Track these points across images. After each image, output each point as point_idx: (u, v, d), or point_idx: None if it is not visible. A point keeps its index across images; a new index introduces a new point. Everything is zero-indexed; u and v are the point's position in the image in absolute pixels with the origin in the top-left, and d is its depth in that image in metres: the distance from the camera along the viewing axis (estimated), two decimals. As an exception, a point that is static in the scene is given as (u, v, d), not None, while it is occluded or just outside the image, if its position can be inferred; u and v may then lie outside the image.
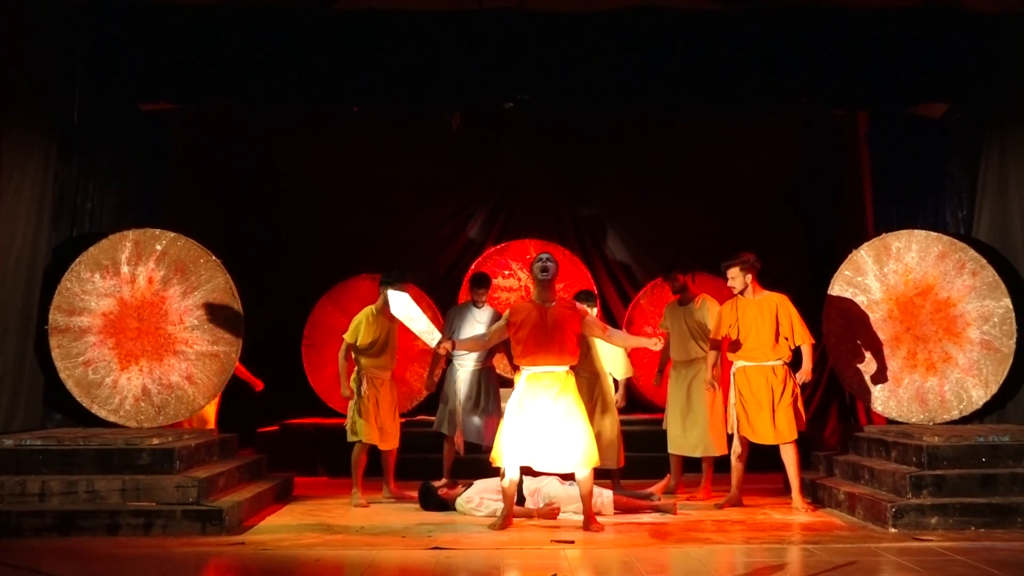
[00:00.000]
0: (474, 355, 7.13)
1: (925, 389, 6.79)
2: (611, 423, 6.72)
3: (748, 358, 6.40)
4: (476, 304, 7.22)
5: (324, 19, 7.28)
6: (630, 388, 8.85)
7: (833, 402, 8.69)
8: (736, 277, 6.42)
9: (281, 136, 9.21)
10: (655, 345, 5.70)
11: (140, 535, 5.43)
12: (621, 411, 7.06)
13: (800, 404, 6.38)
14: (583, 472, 5.66)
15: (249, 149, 9.09)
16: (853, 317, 6.92)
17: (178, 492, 5.64)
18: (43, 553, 5.03)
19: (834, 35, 7.14)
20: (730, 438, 6.58)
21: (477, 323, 7.07)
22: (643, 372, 8.69)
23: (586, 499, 5.72)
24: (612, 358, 6.85)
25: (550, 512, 6.04)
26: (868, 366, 6.87)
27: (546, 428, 5.58)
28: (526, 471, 5.82)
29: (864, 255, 7.00)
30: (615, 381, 6.92)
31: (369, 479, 6.89)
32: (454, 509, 6.27)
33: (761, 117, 8.86)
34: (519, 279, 9.13)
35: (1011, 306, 6.74)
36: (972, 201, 7.30)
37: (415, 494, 6.50)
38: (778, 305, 6.39)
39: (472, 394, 7.11)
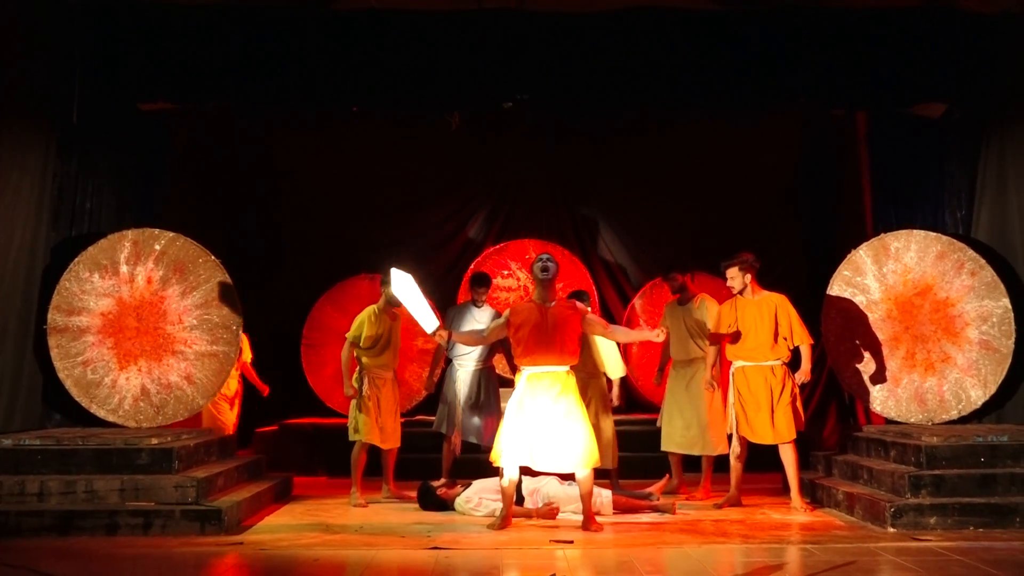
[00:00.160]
0: (474, 355, 7.13)
1: (924, 389, 6.80)
2: (609, 423, 6.73)
3: (747, 358, 6.41)
4: (476, 304, 7.23)
5: (323, 19, 7.28)
6: (628, 388, 8.89)
7: (832, 402, 8.70)
8: (735, 277, 6.43)
9: (281, 136, 9.21)
10: (657, 336, 5.69)
11: (139, 535, 5.44)
12: (620, 411, 7.07)
13: (799, 404, 6.39)
14: (582, 472, 5.66)
15: (248, 149, 9.09)
16: (852, 317, 6.92)
17: (177, 492, 5.64)
18: (42, 553, 5.03)
19: (833, 35, 7.15)
20: (729, 438, 6.59)
21: (477, 323, 7.07)
22: (643, 372, 8.70)
23: (585, 499, 5.72)
24: (605, 357, 6.86)
25: (549, 512, 6.04)
26: (867, 366, 6.88)
27: (546, 428, 5.58)
28: (525, 471, 5.82)
29: (863, 255, 7.01)
30: (608, 380, 6.93)
31: (368, 479, 6.89)
32: (453, 509, 6.27)
33: (761, 117, 8.87)
34: (518, 279, 9.14)
35: (1010, 306, 6.74)
36: (971, 201, 7.30)
37: (414, 494, 6.50)
38: (777, 305, 6.39)
39: (472, 394, 7.11)
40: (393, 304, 6.83)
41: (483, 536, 5.52)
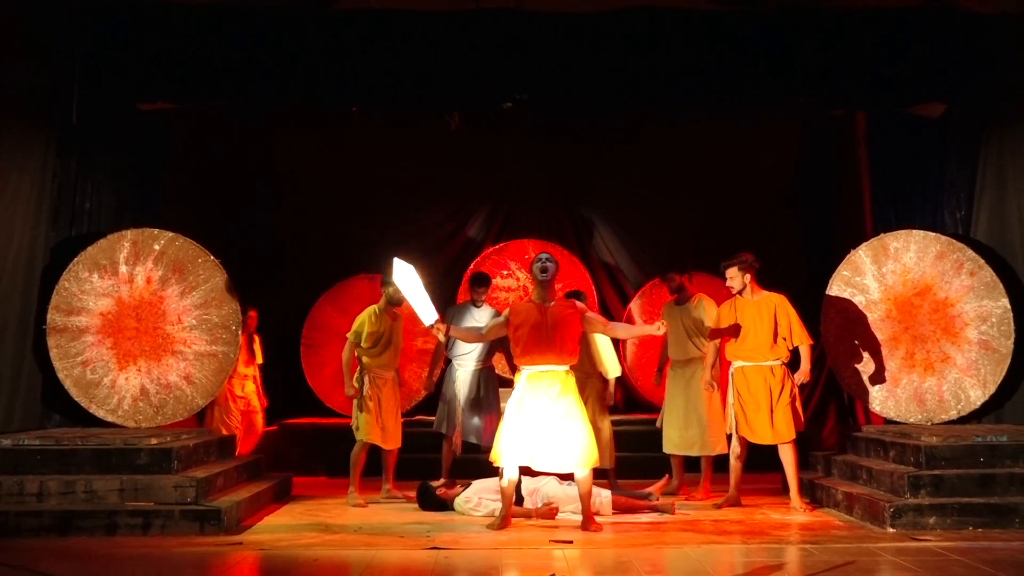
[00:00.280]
0: (474, 355, 7.14)
1: (923, 389, 6.80)
2: (606, 422, 6.74)
3: (746, 358, 6.41)
4: (475, 303, 7.23)
5: (323, 19, 7.27)
6: (628, 388, 8.90)
7: (831, 402, 8.70)
8: (735, 277, 6.43)
9: (281, 136, 9.21)
10: (658, 329, 5.69)
11: (138, 535, 5.44)
12: (620, 411, 7.06)
13: (798, 404, 6.39)
14: (582, 472, 5.66)
15: (248, 149, 9.08)
16: (851, 317, 6.92)
17: (176, 492, 5.64)
18: (41, 553, 5.03)
19: (833, 35, 7.14)
20: (729, 438, 6.59)
21: (476, 322, 7.06)
22: (642, 372, 8.70)
23: (585, 499, 5.72)
24: (603, 356, 6.87)
25: (548, 512, 6.04)
26: (866, 366, 6.88)
27: (545, 428, 5.58)
28: (525, 471, 5.82)
29: (862, 255, 7.01)
30: (604, 380, 6.93)
31: (368, 479, 6.89)
32: (452, 509, 6.27)
33: (760, 117, 8.86)
34: (518, 279, 9.14)
35: (1009, 306, 6.75)
36: (970, 201, 7.30)
37: (414, 494, 6.50)
38: (776, 305, 6.40)
39: (472, 394, 7.12)
40: (394, 304, 6.84)
41: (482, 536, 5.52)
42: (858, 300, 6.94)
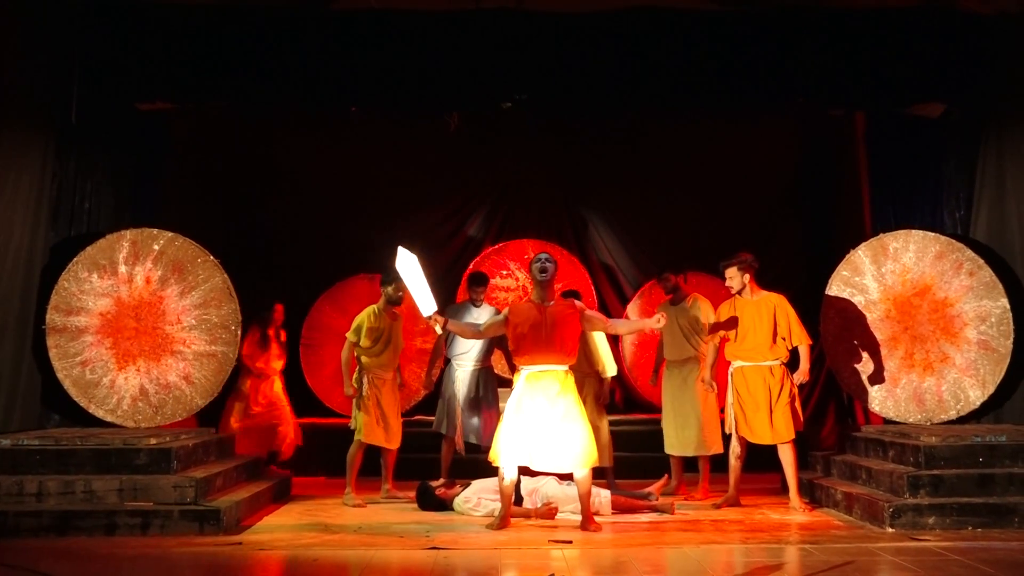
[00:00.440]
0: (473, 355, 7.14)
1: (922, 389, 6.80)
2: (604, 422, 6.76)
3: (746, 358, 6.41)
4: (474, 303, 7.23)
5: (323, 19, 7.27)
6: (628, 388, 8.90)
7: (831, 402, 8.70)
8: (734, 277, 6.43)
9: (280, 136, 9.20)
10: (657, 322, 5.70)
11: (138, 535, 5.44)
12: (619, 410, 7.06)
13: (798, 404, 6.39)
14: (581, 472, 5.66)
15: (247, 149, 9.08)
16: (851, 317, 6.93)
17: (176, 492, 5.64)
18: (40, 553, 5.02)
19: (832, 35, 7.14)
20: (728, 438, 6.59)
21: (475, 321, 7.06)
22: (642, 372, 8.70)
23: (584, 499, 5.72)
24: (601, 356, 6.87)
25: (548, 512, 6.04)
26: (865, 366, 6.88)
27: (545, 428, 5.58)
28: (524, 471, 5.82)
29: (862, 255, 7.01)
30: (601, 379, 6.94)
31: (367, 479, 6.89)
32: (452, 509, 6.27)
33: (760, 117, 8.86)
34: (517, 279, 9.14)
35: (1008, 306, 6.75)
36: (970, 201, 7.30)
37: (413, 494, 6.50)
38: (776, 305, 6.40)
39: (471, 394, 7.12)
40: (393, 303, 6.84)
41: (482, 536, 5.52)
42: (857, 300, 6.94)
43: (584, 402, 6.40)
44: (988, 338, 6.76)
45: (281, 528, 5.84)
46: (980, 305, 6.80)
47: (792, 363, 6.43)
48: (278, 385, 7.89)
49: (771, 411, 6.29)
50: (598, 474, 6.29)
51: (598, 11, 7.16)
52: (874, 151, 8.16)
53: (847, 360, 6.94)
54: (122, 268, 6.69)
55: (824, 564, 4.65)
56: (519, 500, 6.07)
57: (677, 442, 6.92)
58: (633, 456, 7.57)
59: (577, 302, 6.00)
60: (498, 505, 5.88)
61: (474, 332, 6.11)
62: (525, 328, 5.66)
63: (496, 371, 7.48)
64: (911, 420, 6.78)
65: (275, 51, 7.09)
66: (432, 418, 7.35)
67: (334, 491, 7.11)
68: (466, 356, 7.15)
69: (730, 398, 6.47)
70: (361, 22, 7.16)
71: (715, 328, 6.57)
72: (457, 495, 6.29)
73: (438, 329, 5.70)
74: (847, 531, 5.64)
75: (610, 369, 6.91)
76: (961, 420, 6.75)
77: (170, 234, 6.78)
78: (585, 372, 6.71)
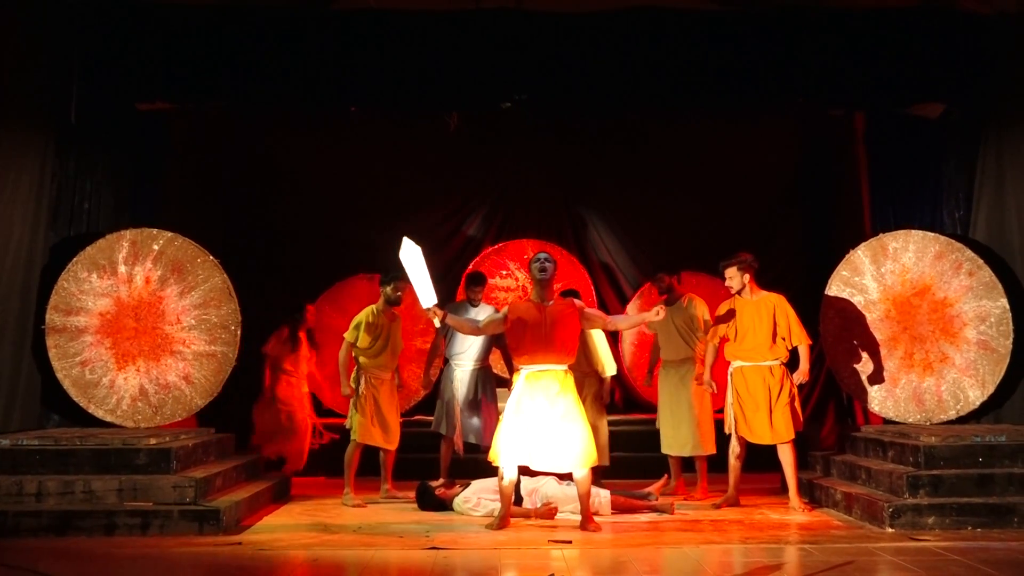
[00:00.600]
0: (471, 355, 7.14)
1: (922, 389, 6.80)
2: (604, 422, 6.77)
3: (745, 358, 6.41)
4: (473, 303, 7.23)
5: (322, 19, 7.27)
6: (627, 388, 8.89)
7: (830, 402, 8.69)
8: (734, 277, 6.43)
9: (280, 136, 9.19)
10: (657, 315, 5.70)
11: (137, 535, 5.44)
12: (619, 410, 7.07)
13: (797, 404, 6.39)
14: (581, 472, 5.66)
15: (247, 149, 9.07)
16: (850, 317, 6.93)
17: (175, 492, 5.64)
18: (40, 553, 5.02)
19: (832, 35, 7.14)
20: (726, 438, 6.59)
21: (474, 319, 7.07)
22: (641, 372, 8.69)
23: (584, 499, 5.72)
24: (600, 355, 6.87)
25: (548, 512, 6.04)
26: (865, 366, 6.88)
27: (544, 428, 5.58)
28: (524, 471, 5.82)
29: (861, 255, 7.01)
30: (601, 379, 6.94)
31: (367, 479, 6.89)
32: (451, 509, 6.27)
33: (759, 117, 8.85)
34: (517, 279, 9.14)
35: (1008, 306, 6.75)
36: (969, 201, 7.30)
37: (413, 494, 6.50)
38: (775, 305, 6.40)
39: (470, 394, 7.12)
40: (392, 304, 6.84)
41: (481, 536, 5.52)
42: (857, 300, 6.94)
43: (584, 402, 6.41)
44: (988, 338, 6.76)
45: (281, 528, 5.84)
46: (980, 305, 6.80)
47: (792, 363, 6.43)
48: (305, 388, 7.90)
49: (771, 411, 6.29)
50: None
51: (598, 11, 7.16)
52: (874, 151, 8.15)
53: (847, 360, 6.94)
54: (122, 268, 6.69)
55: (824, 564, 4.65)
56: (519, 500, 6.07)
57: (674, 441, 6.92)
58: (632, 456, 7.57)
59: (576, 301, 6.00)
60: (498, 505, 5.88)
61: (473, 328, 6.10)
62: (525, 327, 5.66)
63: (494, 371, 7.47)
64: (911, 420, 6.78)
65: (275, 51, 7.09)
66: (431, 418, 7.35)
67: (334, 491, 7.11)
68: (464, 356, 7.15)
69: (729, 398, 6.47)
70: (361, 22, 7.16)
71: (718, 321, 6.57)
72: (457, 495, 6.29)
73: (437, 322, 5.70)
74: (847, 531, 5.64)
75: (610, 369, 6.91)
76: (961, 420, 6.75)
77: (169, 234, 6.78)
78: (585, 372, 6.72)
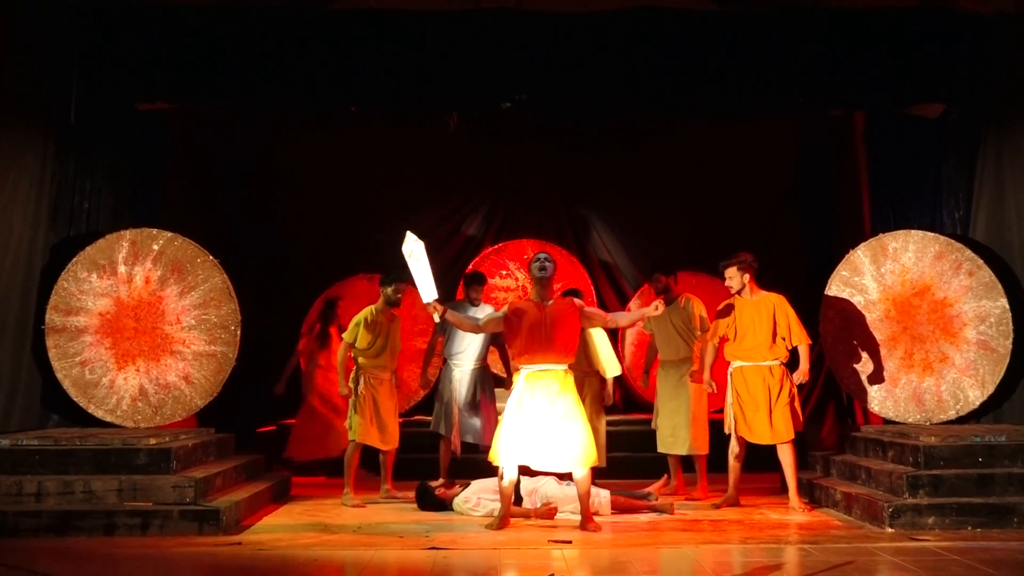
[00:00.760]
0: (470, 354, 7.14)
1: (922, 389, 6.80)
2: (602, 422, 6.78)
3: (745, 358, 6.41)
4: (472, 303, 7.23)
5: (322, 19, 7.26)
6: (627, 388, 8.89)
7: (830, 402, 8.70)
8: (733, 277, 6.44)
9: (279, 136, 9.20)
10: (655, 309, 5.70)
11: (137, 535, 5.44)
12: (618, 410, 7.06)
13: (797, 404, 6.39)
14: (581, 472, 5.66)
15: (247, 149, 9.08)
16: (850, 317, 6.93)
17: (175, 492, 5.64)
18: (40, 553, 5.02)
19: (831, 35, 7.14)
20: (727, 438, 6.59)
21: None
22: (641, 372, 8.70)
23: (584, 499, 5.72)
24: (601, 356, 6.87)
25: (547, 512, 6.04)
26: (865, 366, 6.88)
27: (544, 427, 5.59)
28: (524, 471, 5.82)
29: (861, 255, 7.01)
30: (602, 380, 6.94)
31: (367, 479, 6.89)
32: (451, 509, 6.27)
33: (759, 117, 8.86)
34: (516, 279, 9.14)
35: (1007, 306, 6.75)
36: (969, 201, 7.30)
37: (412, 494, 6.50)
38: (775, 305, 6.40)
39: (469, 394, 7.11)
40: (392, 304, 6.84)
41: (481, 536, 5.52)
42: (857, 300, 6.94)
43: (584, 401, 6.41)
44: (987, 338, 6.76)
45: (280, 528, 5.84)
46: (979, 305, 6.81)
47: (792, 363, 6.43)
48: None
49: (770, 411, 6.30)
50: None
51: (598, 11, 7.15)
52: (873, 151, 8.15)
53: (846, 360, 6.94)
54: (121, 268, 6.69)
55: (823, 564, 4.65)
56: (519, 500, 6.07)
57: (672, 441, 6.93)
58: (632, 456, 7.57)
59: (577, 300, 6.00)
60: (497, 505, 5.88)
61: (472, 325, 6.11)
62: (524, 327, 5.66)
63: (493, 371, 7.47)
64: (910, 420, 6.78)
65: (274, 51, 7.09)
66: (431, 418, 7.35)
67: (333, 491, 7.11)
68: (463, 356, 7.15)
69: (729, 398, 6.47)
70: (360, 22, 7.15)
71: (718, 316, 6.57)
72: (456, 495, 6.29)
73: (436, 317, 5.71)
74: (846, 531, 5.64)
75: (612, 369, 6.91)
76: (960, 420, 6.75)
77: (169, 234, 6.78)
78: (585, 371, 6.72)
